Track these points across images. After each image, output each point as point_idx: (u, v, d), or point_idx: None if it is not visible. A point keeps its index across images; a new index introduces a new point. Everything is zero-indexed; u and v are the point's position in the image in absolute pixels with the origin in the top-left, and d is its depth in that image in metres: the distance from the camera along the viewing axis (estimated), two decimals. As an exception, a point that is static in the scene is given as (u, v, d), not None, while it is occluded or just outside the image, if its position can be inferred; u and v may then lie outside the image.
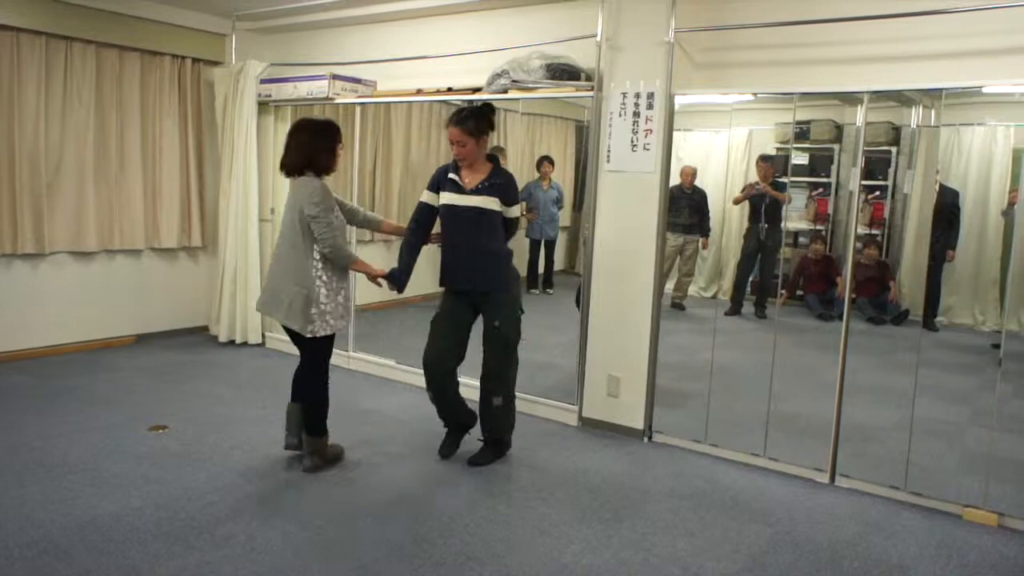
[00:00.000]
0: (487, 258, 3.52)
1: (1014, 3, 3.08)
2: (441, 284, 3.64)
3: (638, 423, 4.12)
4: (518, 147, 6.14)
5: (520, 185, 5.96)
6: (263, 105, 5.60)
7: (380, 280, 3.55)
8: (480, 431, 3.73)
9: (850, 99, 3.79)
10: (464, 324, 3.62)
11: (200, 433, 3.93)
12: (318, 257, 3.31)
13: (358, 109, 5.34)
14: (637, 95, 3.96)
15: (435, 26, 4.97)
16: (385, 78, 5.18)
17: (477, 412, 3.71)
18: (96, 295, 5.50)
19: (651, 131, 3.94)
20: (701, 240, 4.73)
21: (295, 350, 3.52)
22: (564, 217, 6.23)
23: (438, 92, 4.76)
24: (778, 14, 3.59)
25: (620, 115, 4.02)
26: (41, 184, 5.07)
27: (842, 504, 3.38)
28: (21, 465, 3.43)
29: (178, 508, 3.08)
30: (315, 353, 3.46)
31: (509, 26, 4.57)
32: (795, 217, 4.49)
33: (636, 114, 3.97)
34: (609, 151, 4.08)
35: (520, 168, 6.08)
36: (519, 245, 6.18)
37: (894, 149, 4.05)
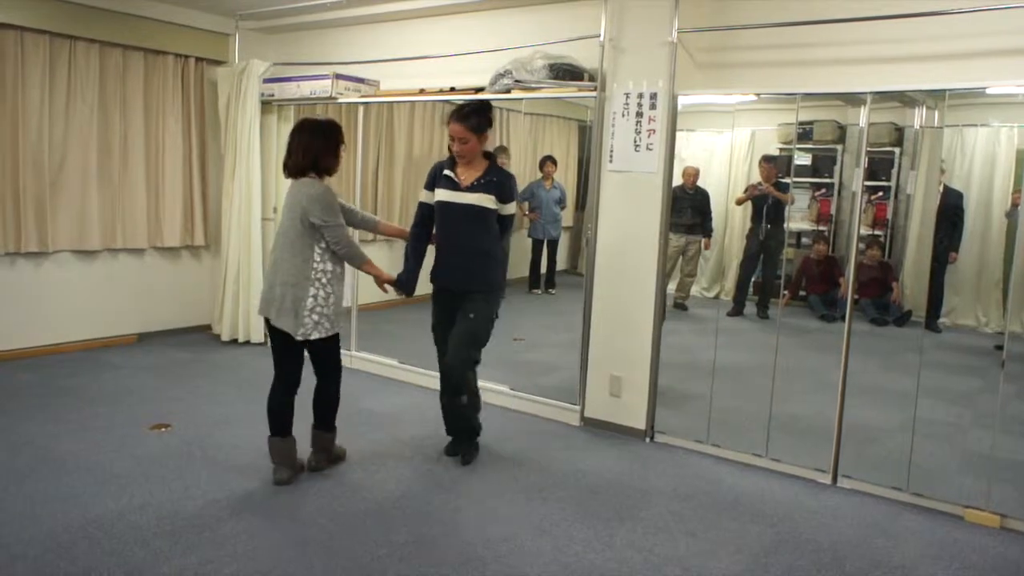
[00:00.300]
0: (479, 259, 3.49)
1: (1018, 4, 3.07)
2: (432, 280, 3.62)
3: (640, 423, 4.12)
4: (521, 147, 6.14)
5: (523, 185, 5.97)
6: (266, 104, 5.60)
7: (387, 286, 3.55)
8: (448, 430, 3.75)
9: (853, 100, 3.79)
10: None
11: (202, 432, 3.93)
12: (318, 259, 3.27)
13: (361, 109, 5.35)
14: (640, 95, 3.96)
15: (438, 26, 4.98)
16: (388, 78, 5.19)
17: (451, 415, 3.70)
18: (99, 294, 5.51)
19: (654, 131, 3.94)
20: (703, 240, 4.73)
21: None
22: (567, 217, 6.24)
23: (441, 92, 4.77)
24: (781, 14, 3.59)
25: (623, 115, 4.02)
26: (44, 183, 5.08)
27: (844, 505, 3.38)
28: (23, 463, 3.44)
29: (180, 507, 3.08)
30: (332, 354, 3.44)
31: (512, 26, 4.58)
32: (798, 218, 4.49)
33: (639, 114, 3.97)
34: (612, 151, 4.08)
35: (523, 168, 6.08)
36: (522, 245, 6.19)
37: (897, 150, 4.05)
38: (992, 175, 3.93)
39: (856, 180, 3.56)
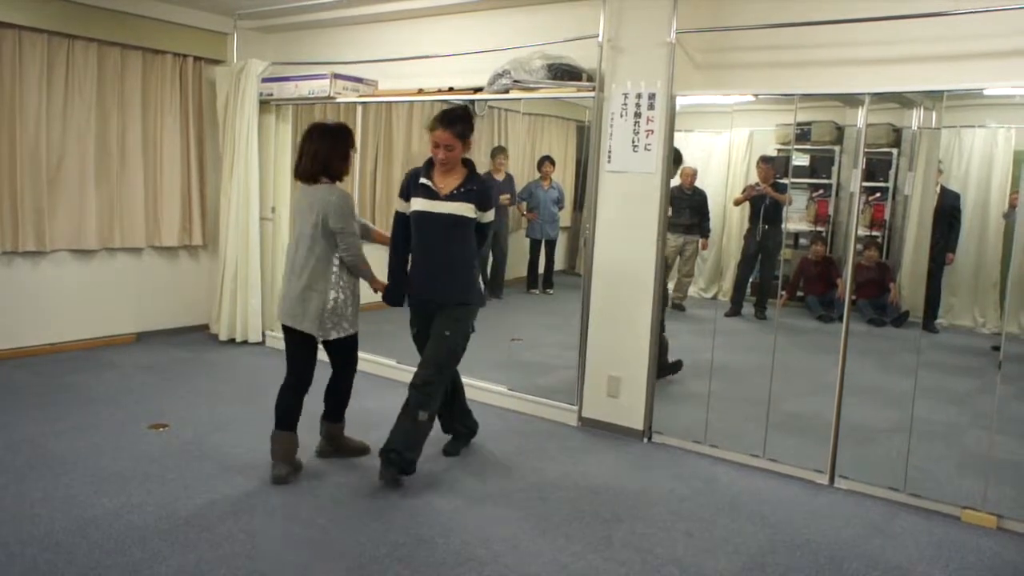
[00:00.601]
0: (456, 270, 3.40)
1: (1015, 5, 3.08)
2: (407, 292, 3.51)
3: (638, 423, 4.13)
4: (519, 147, 6.14)
5: (521, 185, 5.98)
6: (264, 104, 5.60)
7: (378, 290, 3.59)
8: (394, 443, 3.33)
9: (851, 100, 3.79)
10: None
11: (200, 431, 3.93)
12: (337, 263, 3.34)
13: (359, 108, 5.35)
14: (638, 96, 3.97)
15: (437, 26, 4.98)
16: (386, 77, 5.19)
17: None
18: (97, 293, 5.50)
19: (652, 132, 3.94)
20: (701, 241, 4.73)
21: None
22: (565, 217, 6.24)
23: (440, 92, 4.77)
24: (779, 15, 3.59)
25: (621, 115, 4.02)
26: (42, 182, 5.07)
27: (841, 505, 3.39)
28: (22, 463, 3.44)
29: (178, 506, 3.08)
30: (350, 352, 3.55)
31: (511, 26, 4.58)
32: (795, 218, 4.49)
33: (637, 115, 3.97)
34: (610, 151, 4.08)
35: (521, 168, 6.08)
36: (520, 245, 6.19)
37: (895, 151, 4.06)
38: (989, 176, 3.95)
39: (854, 181, 3.57)
